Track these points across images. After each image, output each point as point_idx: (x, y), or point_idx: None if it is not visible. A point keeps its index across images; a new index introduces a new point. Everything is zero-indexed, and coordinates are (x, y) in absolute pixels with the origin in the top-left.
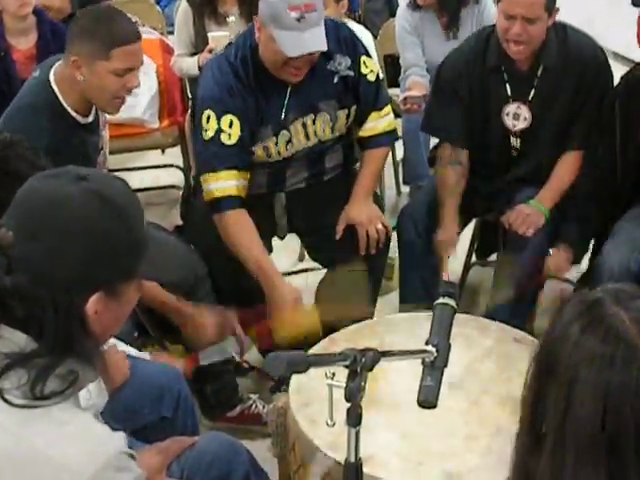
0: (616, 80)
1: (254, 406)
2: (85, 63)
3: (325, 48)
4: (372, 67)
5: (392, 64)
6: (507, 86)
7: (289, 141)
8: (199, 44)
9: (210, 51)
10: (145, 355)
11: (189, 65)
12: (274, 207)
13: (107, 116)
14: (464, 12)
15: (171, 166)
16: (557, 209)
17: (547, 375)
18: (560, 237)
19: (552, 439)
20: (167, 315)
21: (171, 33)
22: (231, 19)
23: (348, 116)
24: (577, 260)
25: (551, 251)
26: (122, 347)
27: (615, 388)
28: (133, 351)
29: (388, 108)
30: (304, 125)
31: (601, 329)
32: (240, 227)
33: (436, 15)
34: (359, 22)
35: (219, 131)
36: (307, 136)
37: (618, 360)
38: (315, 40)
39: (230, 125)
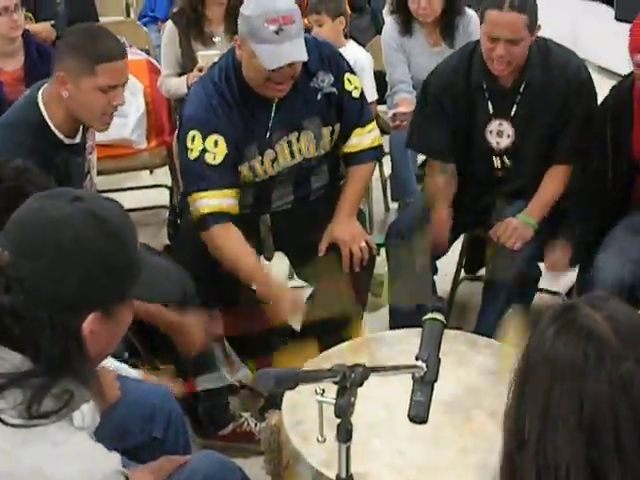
0: (601, 94)
1: (246, 424)
2: (71, 79)
3: (305, 58)
4: (356, 83)
5: (378, 81)
6: (489, 103)
7: (275, 159)
8: (186, 64)
9: (200, 70)
10: (138, 373)
11: (177, 85)
12: (259, 228)
13: (96, 138)
14: (456, 21)
15: (159, 186)
16: (545, 223)
17: (527, 379)
18: (557, 236)
19: (535, 437)
20: (154, 324)
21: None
22: (217, 39)
23: (332, 133)
24: (572, 263)
25: (542, 273)
26: (116, 365)
27: (589, 385)
28: (126, 369)
29: (372, 124)
30: (289, 143)
31: (574, 329)
32: (228, 239)
33: (427, 31)
34: None
35: (204, 151)
36: (292, 154)
37: (591, 357)
38: (294, 50)
39: (215, 145)
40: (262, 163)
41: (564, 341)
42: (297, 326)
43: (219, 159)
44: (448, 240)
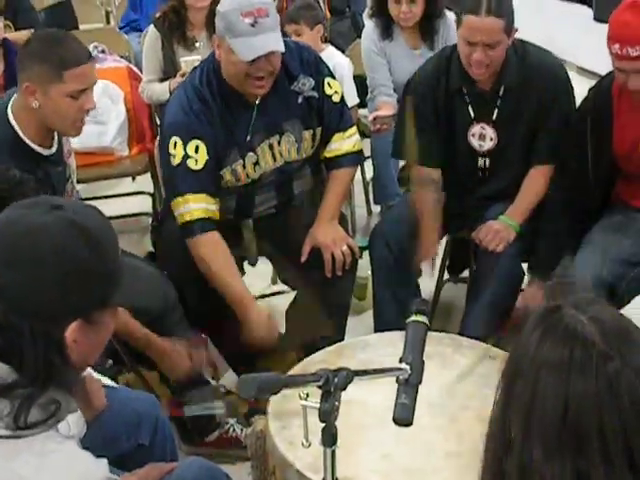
0: (581, 94)
1: (232, 430)
2: (38, 88)
3: (282, 48)
4: (336, 88)
5: (359, 85)
6: (470, 108)
7: (256, 163)
8: (168, 69)
9: (182, 75)
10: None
11: (160, 91)
12: (242, 233)
13: (72, 145)
14: (437, 24)
15: (142, 193)
16: (528, 224)
17: (512, 382)
18: (531, 269)
19: (520, 439)
20: (142, 349)
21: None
22: (199, 44)
23: (314, 137)
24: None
25: (525, 274)
26: (95, 376)
27: (575, 386)
28: (107, 382)
29: (353, 129)
30: (270, 146)
31: (560, 330)
32: (212, 250)
33: (407, 34)
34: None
35: (186, 157)
36: (274, 157)
37: (576, 358)
38: (270, 41)
39: (196, 150)
40: (244, 167)
41: (550, 342)
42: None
43: (200, 164)
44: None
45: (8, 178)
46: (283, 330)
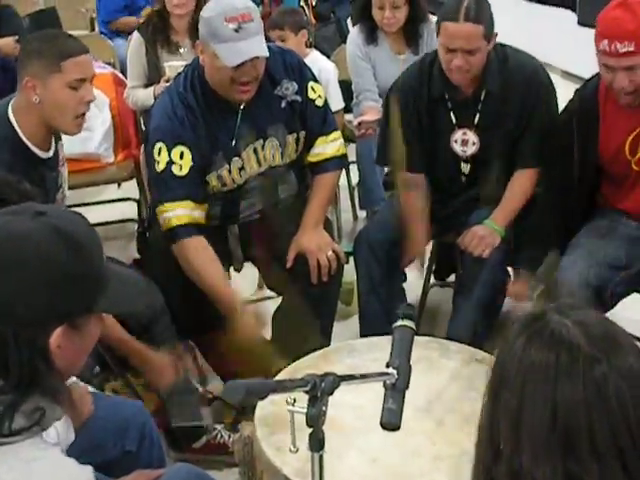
0: (566, 98)
1: (219, 436)
2: (39, 82)
3: (267, 53)
4: (320, 92)
5: (344, 90)
6: (452, 114)
7: (242, 168)
8: (153, 75)
9: (167, 81)
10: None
11: (144, 96)
12: (228, 239)
13: (65, 152)
14: (420, 29)
15: (128, 199)
16: (513, 227)
17: (499, 388)
18: (517, 263)
19: (508, 446)
20: (128, 357)
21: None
22: (183, 50)
23: (297, 141)
24: (535, 266)
25: (511, 277)
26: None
27: (563, 391)
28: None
29: (336, 134)
30: (255, 151)
31: (545, 336)
32: (198, 253)
33: (391, 39)
34: None
35: (170, 163)
36: (258, 162)
37: (563, 362)
38: (254, 46)
39: (181, 156)
40: (230, 172)
41: (536, 348)
42: (262, 338)
43: (185, 170)
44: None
45: (19, 191)
46: (269, 335)
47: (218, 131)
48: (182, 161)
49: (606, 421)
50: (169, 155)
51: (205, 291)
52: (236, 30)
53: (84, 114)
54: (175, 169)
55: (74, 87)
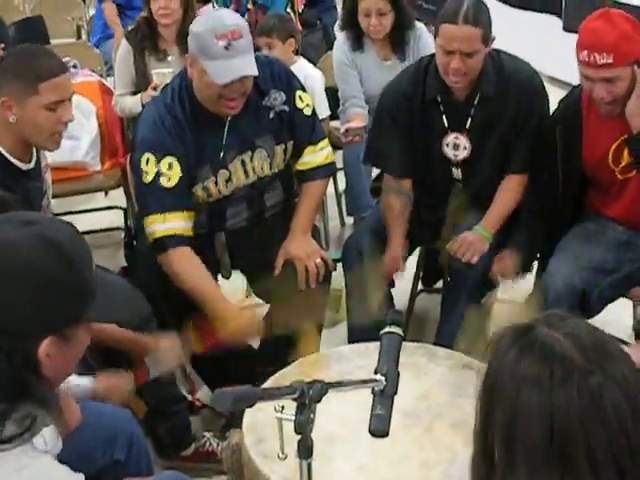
0: (553, 104)
1: (208, 444)
2: (15, 102)
3: (256, 72)
4: (308, 101)
5: (331, 97)
6: (444, 117)
7: (228, 179)
8: (140, 82)
9: (154, 88)
10: (87, 381)
11: (132, 104)
12: (215, 246)
13: (48, 159)
14: (407, 35)
15: (115, 208)
16: (501, 234)
17: (492, 403)
18: (507, 244)
19: (502, 462)
20: (122, 348)
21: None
22: (171, 58)
23: (285, 151)
24: (524, 269)
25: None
26: (74, 379)
27: (559, 404)
28: (78, 378)
29: (324, 142)
30: (243, 163)
31: (536, 349)
32: (185, 262)
33: (378, 46)
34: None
35: (158, 174)
36: (246, 173)
37: (557, 376)
38: (244, 65)
39: (169, 167)
40: (216, 183)
41: (528, 362)
42: (254, 343)
43: (174, 181)
44: (404, 255)
45: None
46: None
47: (205, 143)
48: (171, 172)
49: (603, 432)
50: (157, 166)
51: (196, 300)
52: (226, 47)
53: (62, 132)
54: (163, 180)
55: (52, 109)
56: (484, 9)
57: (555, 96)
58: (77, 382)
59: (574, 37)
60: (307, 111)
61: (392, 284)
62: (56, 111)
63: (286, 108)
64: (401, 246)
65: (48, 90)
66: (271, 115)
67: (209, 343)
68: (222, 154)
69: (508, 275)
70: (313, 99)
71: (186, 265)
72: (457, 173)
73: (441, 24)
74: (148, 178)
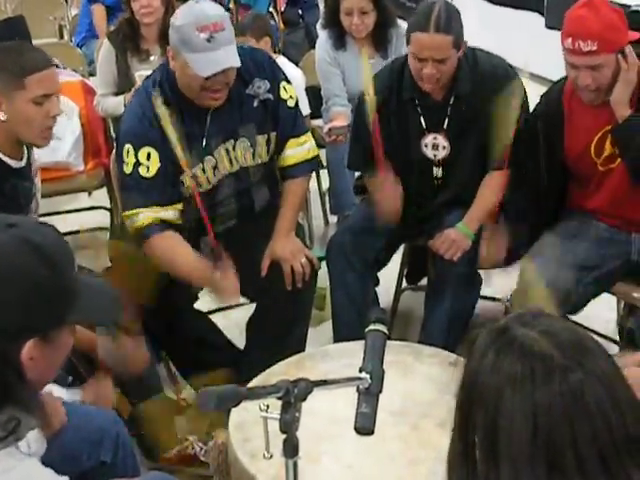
0: (534, 100)
1: (191, 447)
2: (3, 99)
3: (239, 64)
4: (292, 93)
5: (313, 95)
6: (421, 118)
7: (215, 167)
8: (123, 83)
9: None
10: (76, 394)
11: (115, 105)
12: (201, 249)
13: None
14: (389, 33)
15: (98, 208)
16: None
17: (471, 405)
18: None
19: (484, 462)
20: (91, 353)
21: (92, 74)
22: (153, 57)
23: (268, 142)
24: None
25: (482, 278)
26: (56, 390)
27: (542, 402)
28: (67, 393)
29: (307, 136)
30: (227, 151)
31: (515, 349)
32: (167, 243)
33: (360, 44)
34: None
35: (137, 164)
36: (230, 161)
37: (538, 374)
38: (227, 57)
39: (147, 157)
40: (204, 170)
41: (508, 362)
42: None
43: (152, 171)
44: (390, 245)
45: None
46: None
47: (188, 132)
48: (149, 162)
49: (587, 428)
50: (136, 156)
51: (184, 278)
52: (208, 40)
53: (51, 127)
54: (142, 170)
55: (39, 102)
56: (455, 15)
57: (537, 93)
58: (64, 397)
59: (556, 34)
60: (291, 103)
61: (377, 282)
62: (43, 105)
63: (270, 96)
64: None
65: (34, 84)
66: (255, 103)
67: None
68: (205, 142)
69: (497, 256)
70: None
71: (168, 245)
72: (438, 172)
73: (412, 32)
74: (128, 169)
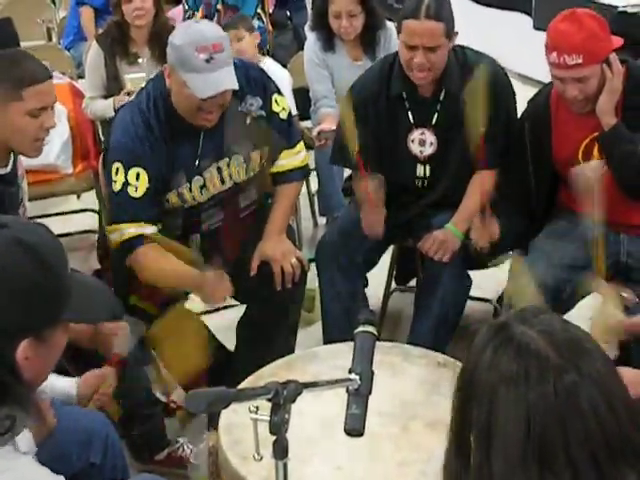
0: (522, 101)
1: (181, 449)
2: None
3: (236, 86)
4: (284, 105)
5: (302, 97)
6: (410, 113)
7: (203, 186)
8: (111, 86)
9: (128, 93)
10: (68, 385)
11: (104, 107)
12: (190, 248)
13: (24, 165)
14: (377, 35)
15: (87, 211)
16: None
17: (468, 401)
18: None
19: (478, 457)
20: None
21: (80, 77)
22: (142, 60)
23: (262, 157)
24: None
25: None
26: (52, 378)
27: (536, 402)
28: (62, 380)
29: (301, 145)
30: (219, 170)
31: (512, 347)
32: (156, 255)
33: (348, 46)
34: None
35: (126, 184)
36: (222, 180)
37: (533, 374)
38: (226, 78)
39: (137, 178)
40: (190, 190)
41: (504, 360)
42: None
43: (140, 192)
44: (379, 246)
45: None
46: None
47: (180, 151)
48: (138, 182)
49: (581, 429)
50: (125, 176)
51: (173, 286)
52: (207, 61)
53: (44, 139)
54: (131, 190)
55: (35, 115)
56: (446, 3)
57: (525, 94)
58: (58, 385)
59: (544, 35)
60: (283, 115)
61: (365, 283)
62: (39, 117)
63: (263, 113)
64: (381, 211)
65: (32, 96)
66: (248, 121)
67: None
68: (197, 162)
69: (488, 237)
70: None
71: (156, 257)
72: (423, 170)
73: (403, 20)
74: (117, 187)
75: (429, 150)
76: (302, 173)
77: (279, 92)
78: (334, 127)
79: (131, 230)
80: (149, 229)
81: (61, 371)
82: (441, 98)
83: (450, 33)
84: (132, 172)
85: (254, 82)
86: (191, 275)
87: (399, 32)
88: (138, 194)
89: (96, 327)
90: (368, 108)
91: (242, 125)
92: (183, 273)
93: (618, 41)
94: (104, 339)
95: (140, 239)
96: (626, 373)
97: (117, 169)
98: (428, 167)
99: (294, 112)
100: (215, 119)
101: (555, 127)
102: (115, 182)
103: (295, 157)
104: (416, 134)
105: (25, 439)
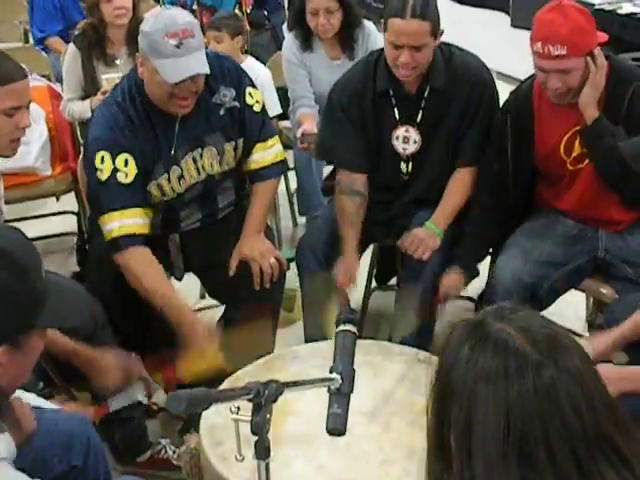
0: (501, 98)
1: (163, 451)
2: None
3: (207, 70)
4: (257, 98)
5: (281, 96)
6: (395, 110)
7: (181, 176)
8: (89, 87)
9: (104, 93)
10: (54, 405)
11: (81, 109)
12: (169, 248)
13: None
14: (355, 34)
15: (66, 213)
16: (453, 228)
17: (446, 400)
18: (452, 260)
19: (459, 458)
20: (69, 361)
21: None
22: (119, 61)
23: (235, 149)
24: (471, 276)
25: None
26: (30, 399)
27: (515, 399)
28: (42, 402)
29: (274, 139)
30: (194, 160)
31: (489, 345)
32: (142, 262)
33: (326, 45)
34: None
35: (115, 170)
36: (197, 170)
37: (512, 370)
38: (195, 63)
39: (125, 164)
40: (169, 180)
41: (482, 358)
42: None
43: (131, 178)
44: (359, 245)
45: None
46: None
47: (158, 141)
48: (127, 169)
49: (560, 425)
50: (113, 163)
51: (151, 300)
52: (177, 46)
53: (19, 138)
54: (121, 177)
55: (9, 114)
56: (432, 2)
57: (503, 92)
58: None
59: (522, 33)
60: (257, 107)
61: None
62: (13, 117)
63: (237, 104)
64: (355, 256)
65: (6, 96)
66: (221, 112)
67: (170, 381)
68: (173, 151)
69: (456, 289)
70: (263, 98)
71: (142, 265)
72: (405, 167)
73: (389, 18)
74: (104, 175)
75: (412, 148)
76: (278, 169)
77: (253, 86)
78: (316, 130)
79: (124, 223)
80: (141, 220)
81: (42, 377)
82: (426, 95)
83: (436, 31)
84: (120, 158)
85: (228, 73)
86: (178, 311)
87: (385, 30)
88: (128, 180)
89: (85, 350)
90: (353, 104)
91: (216, 116)
92: (159, 289)
93: (603, 36)
94: (106, 375)
95: (129, 239)
96: (605, 370)
97: (102, 157)
98: (410, 164)
99: (278, 110)
100: (190, 105)
101: (537, 120)
102: (101, 170)
103: (269, 151)
104: (401, 131)
105: (5, 444)
